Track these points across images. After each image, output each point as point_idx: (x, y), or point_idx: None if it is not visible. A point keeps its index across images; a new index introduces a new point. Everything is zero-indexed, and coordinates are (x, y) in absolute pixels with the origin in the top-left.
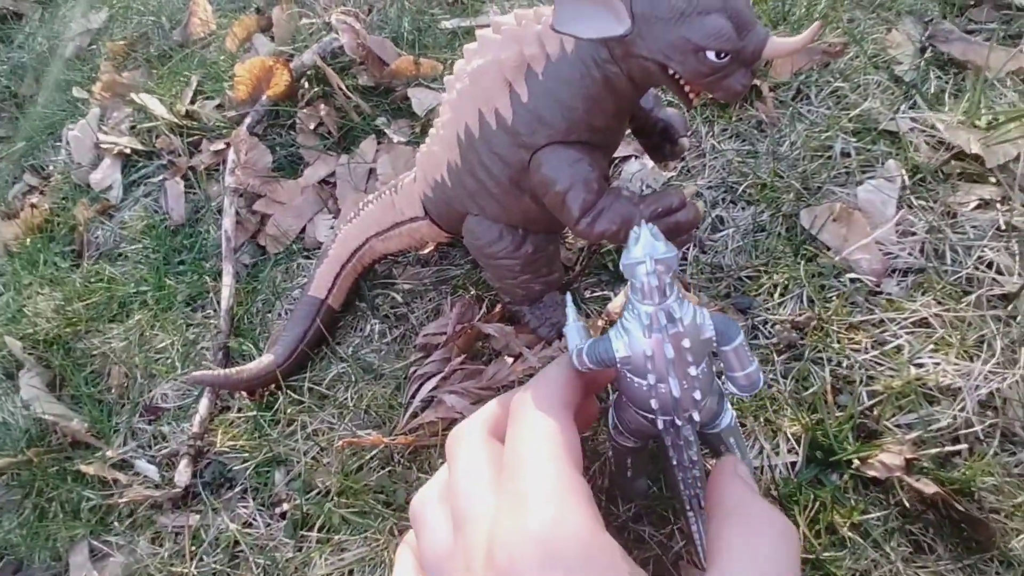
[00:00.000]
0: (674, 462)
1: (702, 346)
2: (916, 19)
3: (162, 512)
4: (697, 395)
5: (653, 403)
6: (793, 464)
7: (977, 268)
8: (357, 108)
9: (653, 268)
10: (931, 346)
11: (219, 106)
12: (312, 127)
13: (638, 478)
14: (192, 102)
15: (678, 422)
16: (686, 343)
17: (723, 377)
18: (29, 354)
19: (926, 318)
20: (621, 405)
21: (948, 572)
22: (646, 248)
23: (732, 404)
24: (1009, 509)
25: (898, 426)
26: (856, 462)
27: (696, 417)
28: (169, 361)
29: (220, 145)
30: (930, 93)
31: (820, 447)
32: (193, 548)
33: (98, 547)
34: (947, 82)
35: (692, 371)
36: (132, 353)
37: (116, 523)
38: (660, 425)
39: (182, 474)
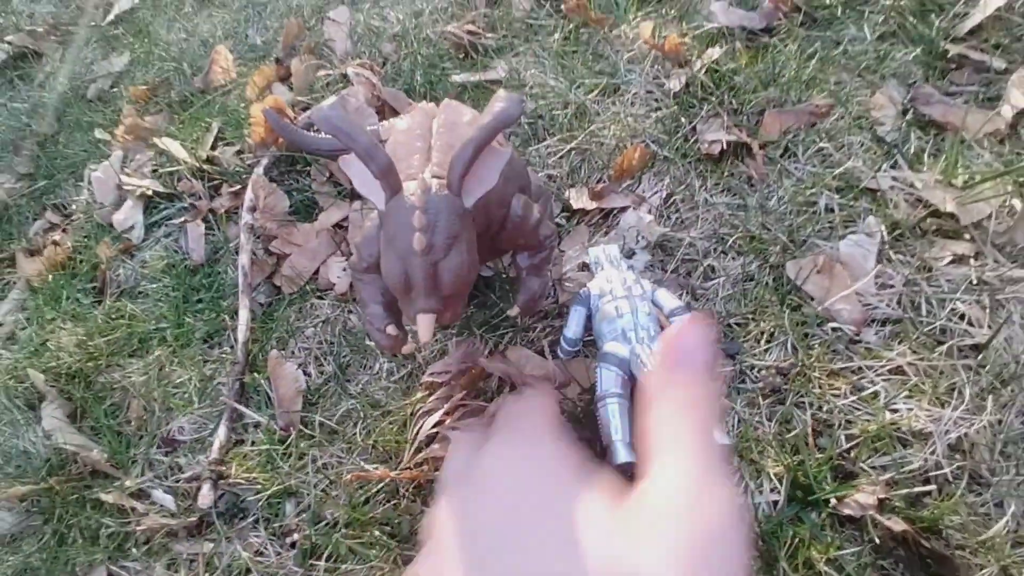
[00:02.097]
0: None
1: (646, 301)
2: (900, 81)
3: (177, 540)
4: (652, 330)
5: (619, 323)
6: (775, 503)
7: (950, 320)
8: None
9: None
10: (905, 393)
11: (239, 152)
12: (324, 178)
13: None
14: (213, 148)
15: (640, 333)
16: (636, 289)
17: None
18: (51, 386)
19: (901, 366)
20: (604, 354)
21: None
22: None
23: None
24: (974, 546)
25: (873, 467)
26: (833, 501)
27: (650, 345)
28: (186, 395)
29: (240, 189)
30: (910, 153)
31: (800, 486)
32: (207, 575)
33: (116, 572)
34: (927, 142)
35: (641, 304)
36: (151, 387)
37: (133, 549)
38: (633, 342)
39: (205, 497)
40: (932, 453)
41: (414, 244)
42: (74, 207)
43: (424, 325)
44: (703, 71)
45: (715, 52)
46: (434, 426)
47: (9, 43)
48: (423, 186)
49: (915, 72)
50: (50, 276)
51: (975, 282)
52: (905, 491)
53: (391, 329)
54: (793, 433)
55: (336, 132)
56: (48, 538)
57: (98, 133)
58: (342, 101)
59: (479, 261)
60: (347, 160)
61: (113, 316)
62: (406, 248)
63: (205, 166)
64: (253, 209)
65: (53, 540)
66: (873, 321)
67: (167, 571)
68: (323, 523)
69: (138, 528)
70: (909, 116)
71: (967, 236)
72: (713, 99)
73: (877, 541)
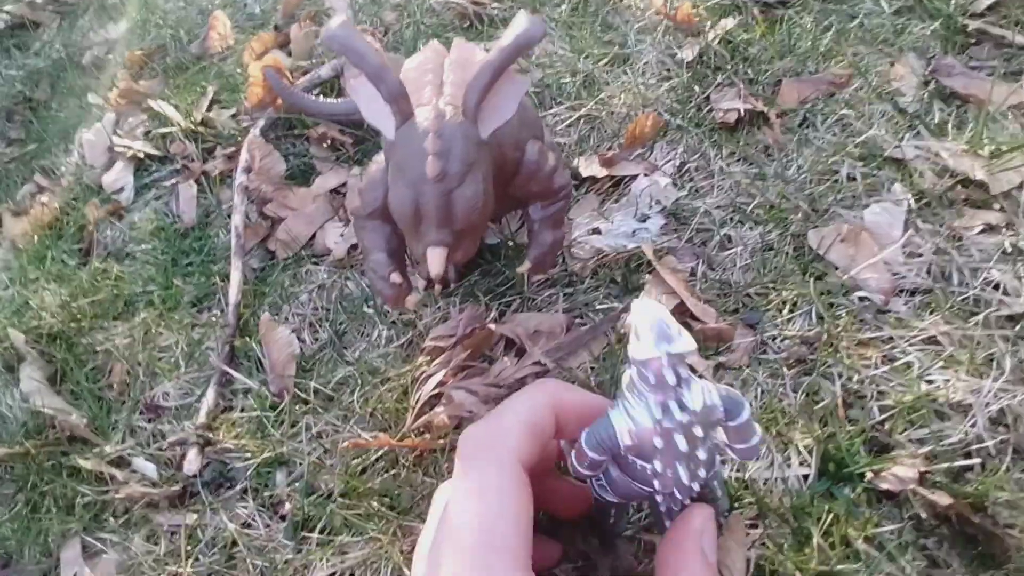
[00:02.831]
0: (666, 523)
1: (711, 427)
2: (919, 55)
3: (158, 510)
4: (702, 472)
5: (656, 483)
6: (805, 476)
7: (984, 290)
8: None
9: (668, 363)
10: (940, 363)
11: (234, 115)
12: (324, 145)
13: (619, 524)
14: (208, 111)
15: (678, 495)
16: (698, 431)
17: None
18: (32, 347)
19: (935, 336)
20: (613, 476)
21: None
22: (656, 341)
23: None
24: (1023, 524)
25: (910, 441)
26: (869, 475)
27: (695, 488)
28: (172, 360)
29: (233, 151)
30: (933, 123)
31: (832, 460)
32: (189, 547)
33: (91, 543)
34: (949, 114)
35: (701, 454)
36: (135, 351)
37: (111, 520)
38: (659, 499)
39: (191, 463)
40: (972, 426)
41: (427, 169)
42: (63, 169)
43: (435, 259)
44: (716, 41)
45: (729, 23)
46: (436, 387)
47: (8, 12)
48: (437, 111)
49: (933, 46)
50: (35, 236)
51: (1008, 251)
52: (946, 465)
53: (395, 277)
54: (822, 404)
55: (346, 51)
56: (20, 507)
57: (91, 98)
58: (351, 21)
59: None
60: (354, 86)
61: (99, 277)
62: (418, 175)
63: (199, 128)
64: (248, 170)
65: (25, 509)
66: (902, 291)
67: (146, 543)
68: (317, 494)
69: (117, 497)
70: (931, 87)
71: (997, 206)
72: (728, 68)
73: (923, 516)
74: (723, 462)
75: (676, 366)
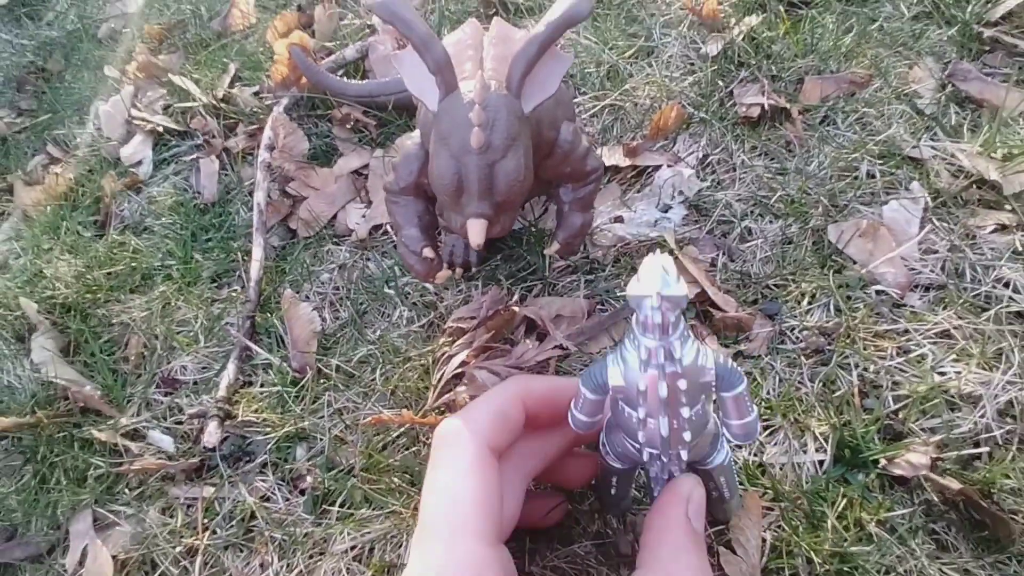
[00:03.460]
0: (655, 493)
1: (699, 388)
2: (936, 59)
3: (174, 483)
4: (687, 436)
5: (640, 436)
6: (821, 462)
7: (995, 287)
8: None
9: (659, 304)
10: (953, 356)
11: (256, 93)
12: (347, 126)
13: (622, 498)
14: (230, 87)
15: (664, 457)
16: (682, 384)
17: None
18: (45, 317)
19: (948, 330)
20: (611, 427)
21: (970, 569)
22: (654, 282)
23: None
24: None
25: (922, 429)
26: (882, 462)
27: (684, 456)
28: (192, 334)
29: (256, 129)
30: (949, 125)
31: (847, 446)
32: (206, 520)
33: (103, 515)
34: (965, 117)
35: (685, 412)
36: (153, 324)
37: (124, 492)
38: (645, 456)
39: (211, 435)
40: (982, 416)
41: (471, 140)
42: (79, 140)
43: (476, 230)
44: (741, 37)
45: (753, 20)
46: (458, 367)
47: None
48: (482, 83)
49: (950, 52)
50: (49, 207)
51: (1019, 250)
52: (955, 453)
53: (427, 252)
54: (838, 393)
55: (393, 19)
56: (28, 478)
57: (108, 70)
58: None
59: None
60: (399, 56)
61: (116, 249)
62: (462, 146)
63: (220, 105)
64: (271, 148)
65: (34, 480)
66: (917, 286)
67: (161, 515)
68: (337, 469)
69: (132, 468)
70: (947, 90)
71: (1008, 207)
72: (752, 64)
73: (935, 499)
74: (735, 461)
75: (668, 311)
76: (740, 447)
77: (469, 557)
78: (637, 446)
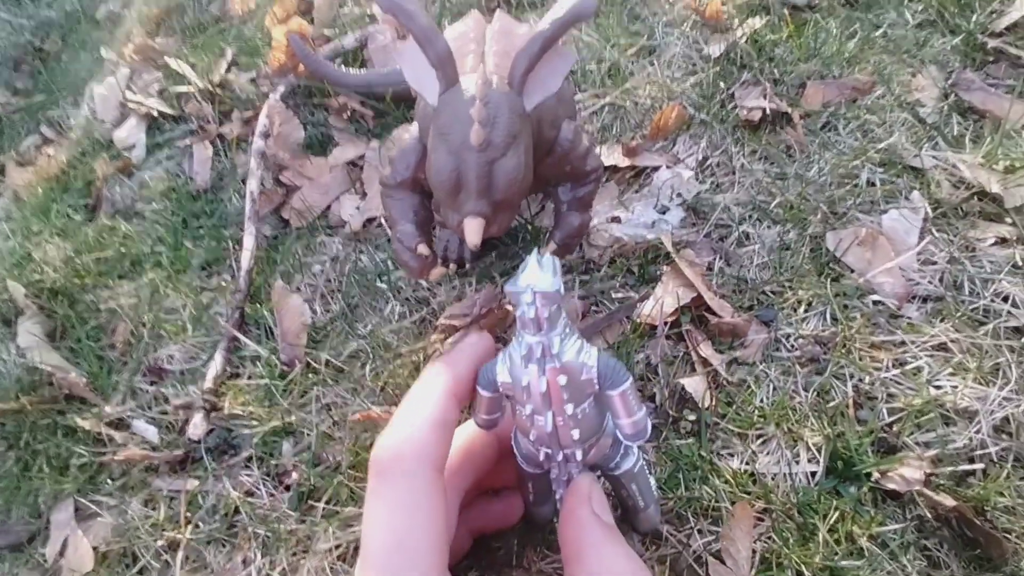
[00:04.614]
0: (557, 496)
1: (582, 385)
2: (939, 68)
3: (158, 475)
4: (575, 433)
5: (532, 433)
6: (813, 473)
7: (993, 300)
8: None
9: (533, 299)
10: (949, 369)
11: (253, 79)
12: (344, 116)
13: (542, 504)
14: (226, 72)
15: (558, 457)
16: (562, 380)
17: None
18: (32, 302)
19: (945, 343)
20: (515, 430)
21: None
22: (529, 278)
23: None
24: (1020, 530)
25: (917, 443)
26: (875, 475)
27: (579, 456)
28: (179, 323)
29: (251, 116)
30: (951, 135)
31: (840, 458)
32: (189, 513)
33: (85, 506)
34: (967, 128)
35: (569, 408)
36: (141, 311)
37: (107, 482)
38: (542, 456)
39: (197, 427)
40: (977, 432)
41: (471, 137)
42: (73, 122)
43: (472, 229)
44: (744, 39)
45: (756, 22)
46: None
47: None
48: (483, 79)
49: (953, 61)
50: (40, 188)
51: (1019, 264)
52: (950, 469)
53: (422, 248)
54: (832, 404)
55: (394, 8)
56: (11, 465)
57: (104, 52)
58: None
59: None
60: (400, 49)
61: (105, 234)
62: (461, 142)
63: (216, 90)
64: (266, 135)
65: (16, 468)
66: (914, 297)
67: (144, 507)
68: (324, 465)
69: (114, 459)
70: (950, 100)
71: (1009, 220)
72: (755, 66)
73: (928, 515)
74: (648, 463)
75: (543, 307)
76: (639, 447)
77: None
78: (535, 446)
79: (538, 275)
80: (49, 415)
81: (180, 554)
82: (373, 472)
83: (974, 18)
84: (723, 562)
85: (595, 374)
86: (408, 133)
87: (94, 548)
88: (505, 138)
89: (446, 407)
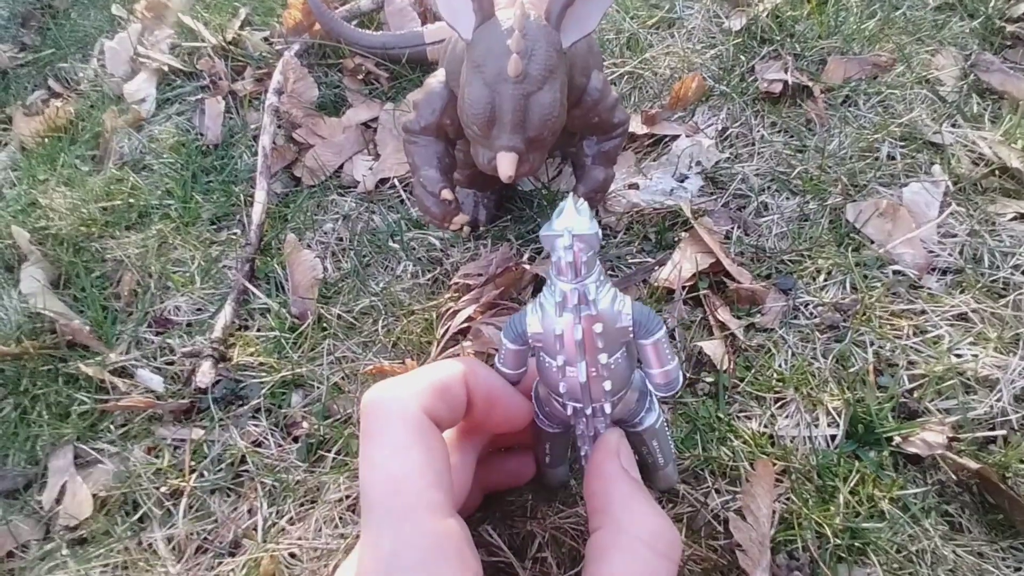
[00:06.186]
0: (582, 453)
1: (616, 334)
2: (958, 50)
3: (162, 423)
4: (607, 385)
5: (562, 386)
6: (832, 437)
7: (1013, 273)
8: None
9: (571, 243)
10: (970, 339)
11: (267, 38)
12: (358, 77)
13: (557, 465)
14: (240, 31)
15: (587, 411)
16: (598, 328)
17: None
18: (36, 247)
19: (965, 313)
20: (539, 386)
21: (983, 551)
22: (567, 221)
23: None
24: None
25: (938, 410)
26: (896, 439)
27: (607, 409)
28: (188, 275)
29: (264, 74)
30: (970, 113)
31: (860, 422)
32: (193, 462)
33: (85, 452)
34: (986, 107)
35: (603, 359)
36: (148, 261)
37: (109, 430)
38: (569, 411)
39: (205, 375)
40: (998, 400)
41: (508, 68)
42: (81, 76)
43: (506, 163)
44: (765, 14)
45: None
46: (464, 322)
47: None
48: (522, 11)
49: (971, 44)
50: (47, 139)
51: None
52: (970, 436)
53: (446, 193)
54: (852, 370)
55: None
56: (8, 411)
57: (115, 9)
58: None
59: None
60: None
61: (113, 185)
62: (497, 74)
63: (229, 47)
64: (280, 92)
65: (14, 413)
66: (934, 269)
67: (147, 455)
68: (333, 418)
69: (118, 405)
70: (970, 79)
71: None
72: (776, 41)
73: (948, 480)
74: (667, 421)
75: (581, 251)
76: (666, 402)
77: (422, 538)
78: (561, 401)
79: (575, 218)
80: (50, 361)
81: (184, 501)
82: (365, 413)
83: (992, 3)
84: (743, 518)
85: (631, 322)
86: (435, 78)
87: (93, 495)
88: (543, 71)
89: (454, 378)
